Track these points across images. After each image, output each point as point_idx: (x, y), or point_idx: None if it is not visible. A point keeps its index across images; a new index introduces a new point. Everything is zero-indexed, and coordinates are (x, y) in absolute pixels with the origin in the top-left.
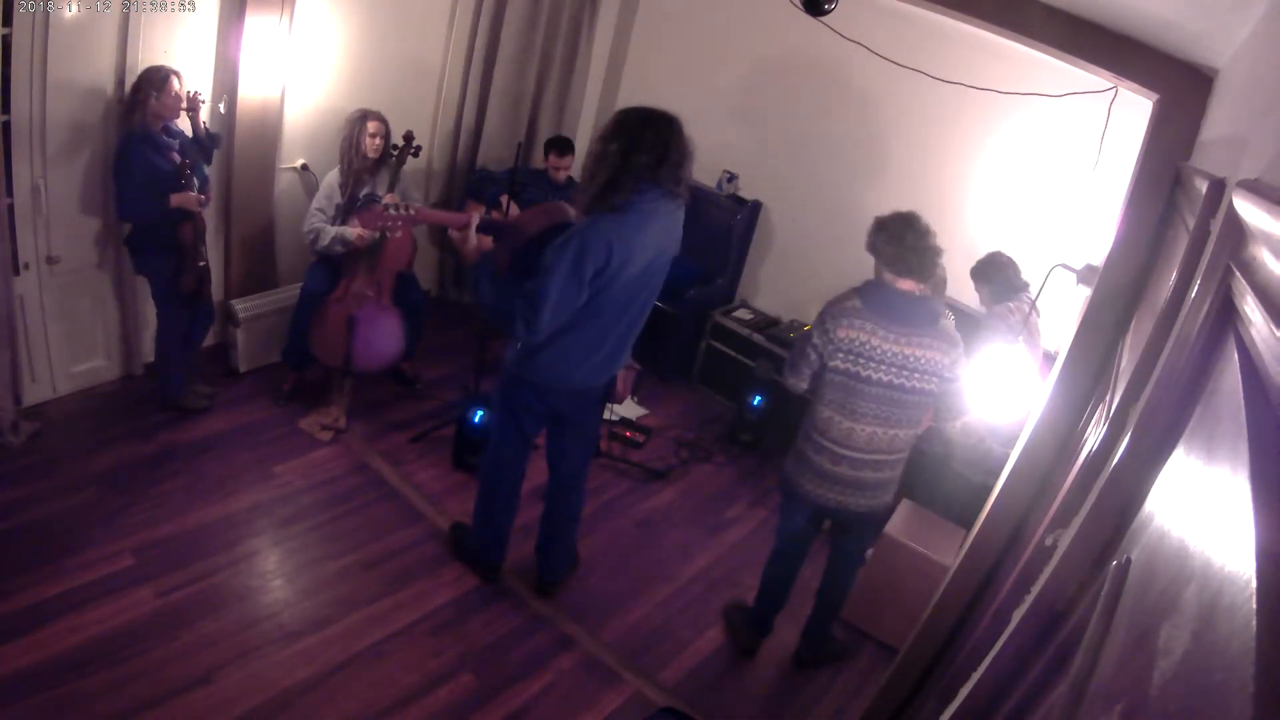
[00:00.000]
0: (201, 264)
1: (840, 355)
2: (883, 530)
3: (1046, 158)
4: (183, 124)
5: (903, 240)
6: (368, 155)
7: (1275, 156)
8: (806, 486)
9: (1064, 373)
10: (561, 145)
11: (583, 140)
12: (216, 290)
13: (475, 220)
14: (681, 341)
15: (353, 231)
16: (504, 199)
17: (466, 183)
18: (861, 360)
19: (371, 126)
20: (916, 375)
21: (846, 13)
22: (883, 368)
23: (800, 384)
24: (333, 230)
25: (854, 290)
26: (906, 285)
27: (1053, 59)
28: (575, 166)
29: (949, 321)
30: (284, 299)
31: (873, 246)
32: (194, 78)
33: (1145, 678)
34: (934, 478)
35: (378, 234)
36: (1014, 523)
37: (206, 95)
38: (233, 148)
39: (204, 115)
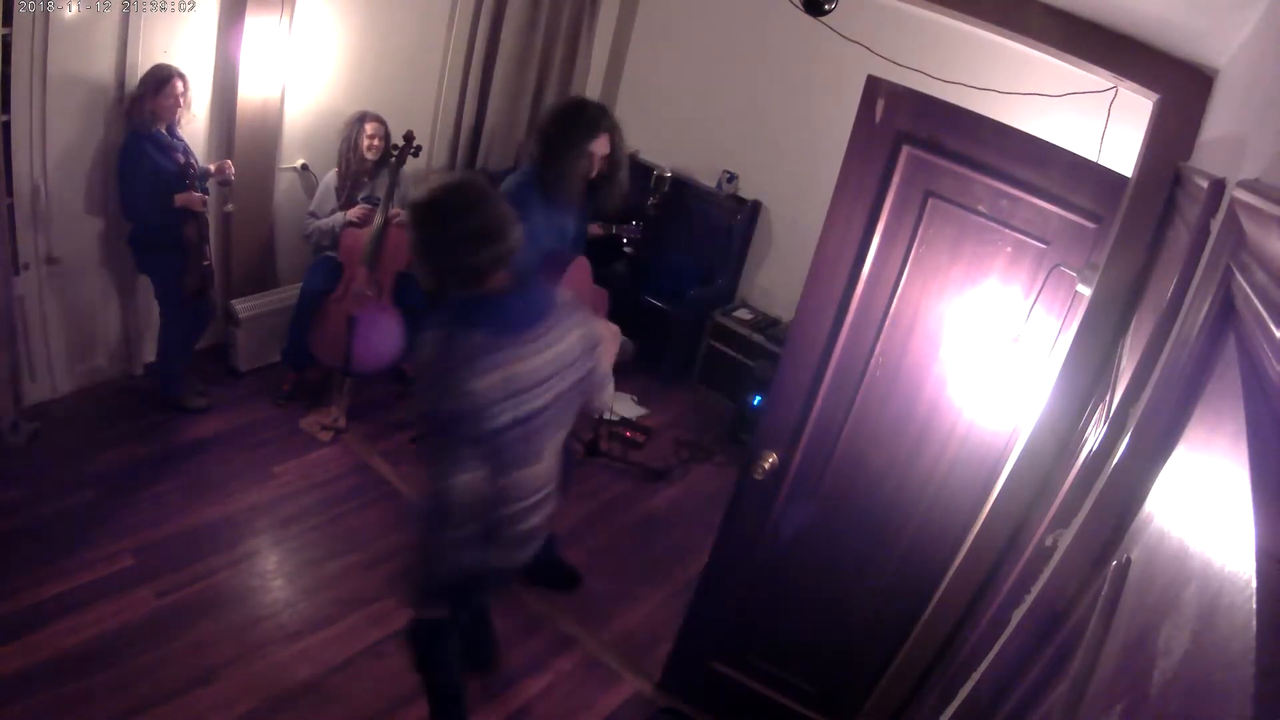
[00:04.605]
0: (206, 263)
1: (493, 412)
2: None
3: None
4: (186, 131)
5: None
6: (366, 157)
7: (1275, 156)
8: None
9: (1064, 373)
10: None
11: None
12: (216, 290)
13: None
14: (681, 341)
15: (340, 217)
16: None
17: None
18: (523, 399)
19: (369, 128)
20: (573, 370)
21: (846, 13)
22: (543, 390)
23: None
24: (326, 222)
25: (450, 325)
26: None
27: (1053, 59)
28: None
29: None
30: (284, 299)
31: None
32: (194, 78)
33: (1145, 678)
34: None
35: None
36: (1014, 523)
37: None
38: (233, 148)
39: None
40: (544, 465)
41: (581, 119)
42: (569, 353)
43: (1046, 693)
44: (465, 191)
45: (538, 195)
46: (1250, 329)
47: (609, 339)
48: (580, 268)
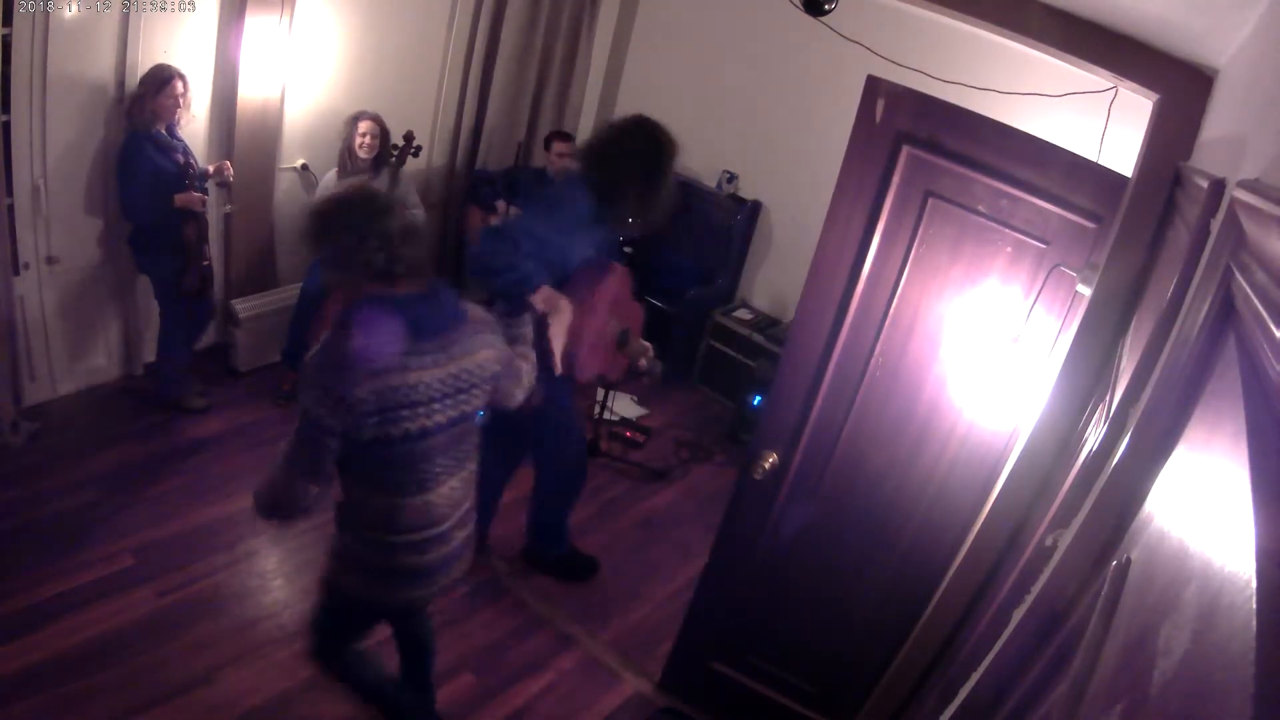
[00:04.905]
0: (205, 264)
1: (364, 424)
2: None
3: None
4: (186, 132)
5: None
6: (360, 156)
7: (1275, 157)
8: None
9: (1064, 373)
10: (564, 135)
11: (581, 138)
12: (216, 290)
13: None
14: (681, 341)
15: None
16: (501, 204)
17: (466, 184)
18: (402, 414)
19: (363, 127)
20: (477, 394)
21: (846, 13)
22: (434, 409)
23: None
24: None
25: (342, 327)
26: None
27: (1053, 59)
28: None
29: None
30: (284, 299)
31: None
32: (194, 78)
33: (1145, 678)
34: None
35: None
36: (1014, 523)
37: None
38: (233, 148)
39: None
40: (439, 496)
41: (670, 149)
42: (475, 372)
43: (1046, 693)
44: (367, 196)
45: (591, 210)
46: (1250, 329)
47: (561, 323)
48: (621, 278)
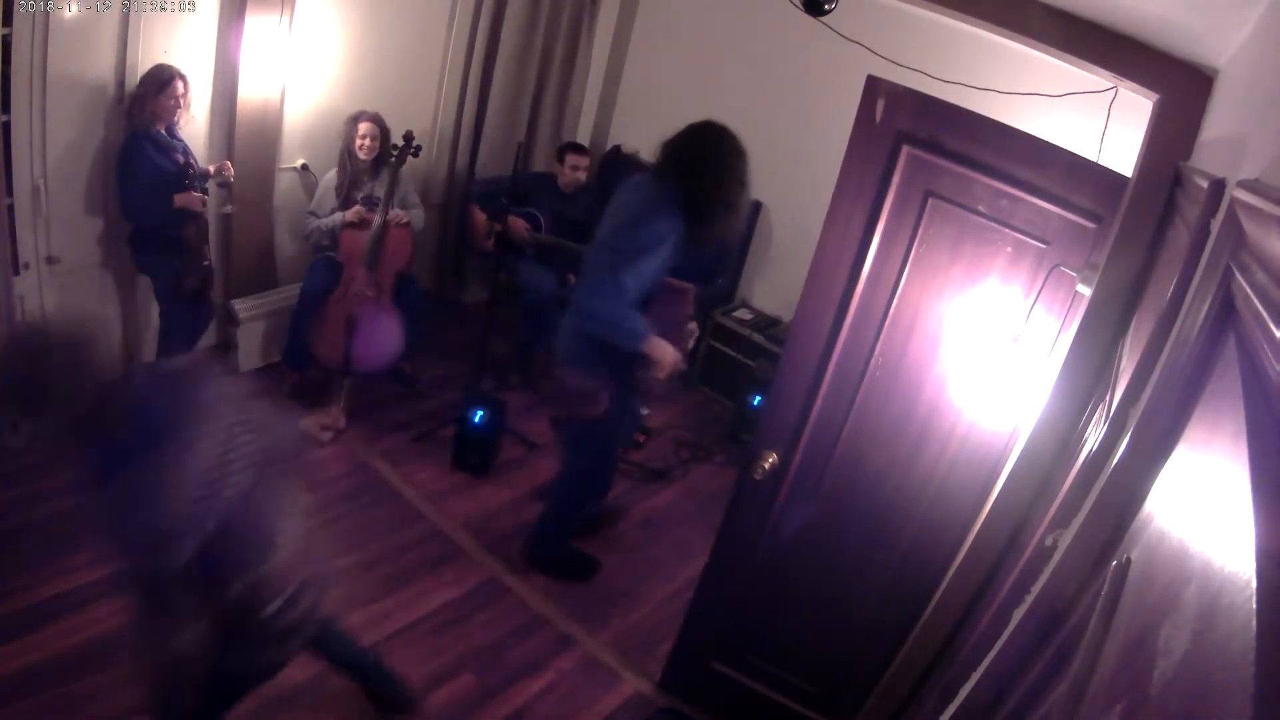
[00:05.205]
0: (205, 263)
1: (188, 534)
2: None
3: None
4: (186, 132)
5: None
6: (360, 157)
7: (1275, 157)
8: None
9: (1064, 373)
10: (579, 147)
11: (583, 139)
12: (216, 290)
13: None
14: None
15: (339, 217)
16: (508, 217)
17: (467, 187)
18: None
19: (362, 128)
20: (243, 459)
21: (846, 13)
22: (224, 489)
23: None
24: (326, 222)
25: (107, 472)
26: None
27: (1053, 59)
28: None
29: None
30: (284, 299)
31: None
32: (194, 78)
33: (1145, 678)
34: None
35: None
36: (1014, 523)
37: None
38: (233, 148)
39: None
40: (284, 546)
41: (743, 154)
42: (240, 419)
43: (1046, 693)
44: (46, 341)
45: (683, 222)
46: (1250, 329)
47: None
48: (691, 297)
